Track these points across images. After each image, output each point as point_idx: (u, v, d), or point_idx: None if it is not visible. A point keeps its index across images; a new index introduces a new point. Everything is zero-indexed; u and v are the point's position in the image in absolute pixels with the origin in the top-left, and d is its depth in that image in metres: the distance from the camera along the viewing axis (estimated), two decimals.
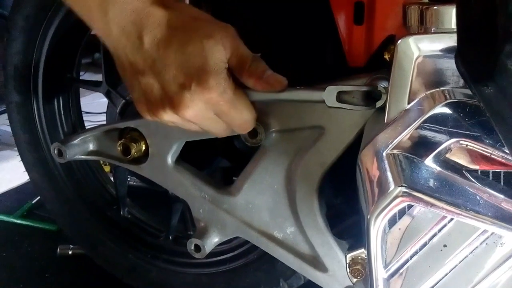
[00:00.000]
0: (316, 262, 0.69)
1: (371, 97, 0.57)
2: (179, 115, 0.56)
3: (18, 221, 1.36)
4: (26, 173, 1.07)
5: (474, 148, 0.47)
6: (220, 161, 0.87)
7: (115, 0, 0.53)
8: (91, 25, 0.57)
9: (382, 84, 0.57)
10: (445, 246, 0.47)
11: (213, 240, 0.77)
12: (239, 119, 0.59)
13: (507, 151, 0.46)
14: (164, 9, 0.54)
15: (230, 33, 0.56)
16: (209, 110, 0.57)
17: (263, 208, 0.71)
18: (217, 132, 0.61)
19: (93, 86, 0.97)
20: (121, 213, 1.01)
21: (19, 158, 1.06)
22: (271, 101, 0.63)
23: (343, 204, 0.73)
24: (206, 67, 0.54)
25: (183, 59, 0.54)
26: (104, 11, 0.54)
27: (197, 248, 0.76)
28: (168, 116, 0.57)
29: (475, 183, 0.46)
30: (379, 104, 0.56)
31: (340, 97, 0.57)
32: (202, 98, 0.54)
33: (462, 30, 0.44)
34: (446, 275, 0.48)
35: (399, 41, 0.51)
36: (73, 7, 0.57)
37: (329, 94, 0.58)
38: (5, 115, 1.05)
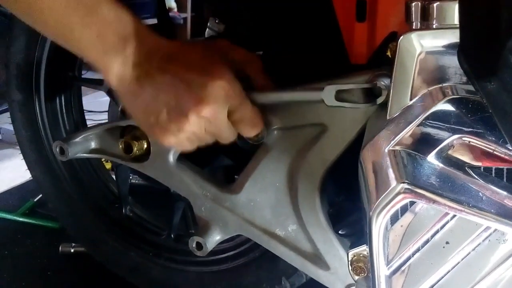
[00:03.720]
0: (318, 260, 0.69)
1: (371, 94, 0.56)
2: (199, 113, 0.58)
3: (20, 219, 1.36)
4: (28, 171, 1.07)
5: (477, 145, 0.46)
6: (221, 159, 0.87)
7: (134, 36, 0.57)
8: (103, 68, 0.58)
9: (382, 81, 0.56)
10: (447, 243, 0.47)
11: (215, 238, 0.77)
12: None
13: (510, 148, 0.45)
14: (176, 45, 0.60)
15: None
16: (223, 103, 0.60)
17: (265, 206, 0.71)
18: (225, 137, 0.66)
19: (95, 84, 0.97)
20: (123, 211, 1.01)
21: (21, 156, 1.06)
22: (274, 102, 0.64)
23: (345, 202, 0.73)
24: (214, 62, 0.59)
25: (192, 61, 0.58)
26: (123, 48, 0.56)
27: (199, 246, 0.76)
28: (189, 125, 0.59)
29: (478, 179, 0.46)
30: (379, 100, 0.56)
31: (339, 95, 0.57)
32: (215, 89, 0.57)
33: (465, 26, 0.44)
34: (448, 272, 0.48)
35: (401, 37, 0.50)
36: (85, 52, 0.58)
37: (328, 93, 0.57)
38: (7, 114, 1.05)
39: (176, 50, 0.60)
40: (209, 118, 0.59)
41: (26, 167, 1.06)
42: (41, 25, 0.57)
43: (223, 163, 0.87)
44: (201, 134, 0.61)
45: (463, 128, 0.47)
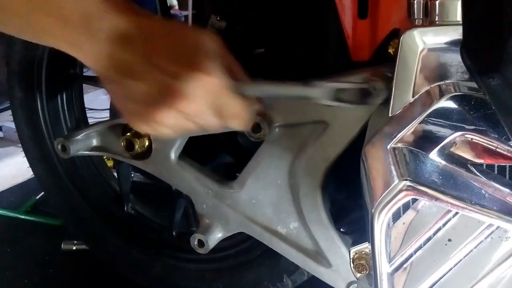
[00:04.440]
0: (319, 258, 0.69)
1: (368, 94, 0.55)
2: (181, 110, 0.55)
3: (22, 217, 1.36)
4: (30, 169, 1.07)
5: (479, 142, 0.46)
6: (223, 156, 0.87)
7: (97, 14, 0.52)
8: (77, 53, 0.55)
9: (382, 80, 0.56)
10: (449, 240, 0.47)
11: (216, 236, 0.77)
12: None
13: None
14: (157, 25, 0.55)
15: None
16: (209, 100, 0.55)
17: (267, 203, 0.71)
18: (212, 128, 0.60)
19: (97, 82, 0.97)
20: (125, 209, 1.01)
21: (23, 154, 1.06)
22: (266, 96, 0.61)
23: (347, 199, 0.73)
24: (201, 53, 0.54)
25: (176, 50, 0.54)
26: (86, 25, 0.52)
27: (200, 243, 0.77)
28: (170, 118, 0.55)
29: (480, 177, 0.46)
30: (375, 101, 0.54)
31: (336, 94, 0.56)
32: (202, 84, 0.53)
33: (467, 22, 0.44)
34: (450, 269, 0.48)
35: (404, 34, 0.50)
36: (54, 41, 0.54)
37: (324, 91, 0.56)
38: (9, 111, 1.06)
39: (159, 33, 0.54)
40: (192, 114, 0.55)
41: (28, 165, 1.07)
42: (4, 24, 0.54)
43: (225, 161, 0.87)
44: (183, 125, 0.57)
45: (466, 126, 0.47)
